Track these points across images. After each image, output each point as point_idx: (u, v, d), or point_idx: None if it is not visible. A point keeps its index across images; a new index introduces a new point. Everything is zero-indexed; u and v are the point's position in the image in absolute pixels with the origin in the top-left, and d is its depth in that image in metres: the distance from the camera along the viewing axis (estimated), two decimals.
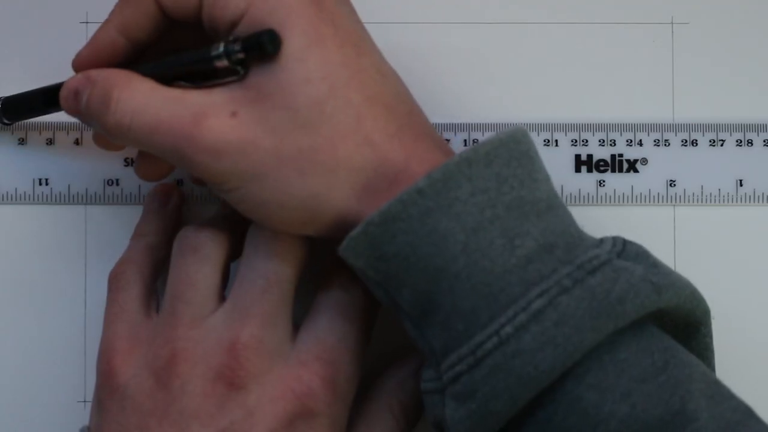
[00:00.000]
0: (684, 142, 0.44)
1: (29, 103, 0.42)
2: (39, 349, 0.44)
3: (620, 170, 0.44)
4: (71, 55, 0.45)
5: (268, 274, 0.38)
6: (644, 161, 0.44)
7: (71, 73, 0.44)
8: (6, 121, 0.44)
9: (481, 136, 0.44)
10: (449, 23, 0.45)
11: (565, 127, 0.44)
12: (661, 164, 0.44)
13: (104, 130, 0.37)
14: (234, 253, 0.40)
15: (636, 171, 0.44)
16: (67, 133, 0.45)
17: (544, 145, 0.44)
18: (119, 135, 0.37)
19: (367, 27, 0.38)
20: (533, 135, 0.44)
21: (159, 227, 0.43)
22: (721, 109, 0.45)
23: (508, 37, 0.45)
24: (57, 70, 0.45)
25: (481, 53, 0.45)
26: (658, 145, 0.44)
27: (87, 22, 0.45)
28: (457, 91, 0.45)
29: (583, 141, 0.44)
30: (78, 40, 0.45)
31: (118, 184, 0.44)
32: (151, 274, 0.41)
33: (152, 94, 0.36)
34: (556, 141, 0.44)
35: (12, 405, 0.44)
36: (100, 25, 0.39)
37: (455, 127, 0.44)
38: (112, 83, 0.37)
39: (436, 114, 0.44)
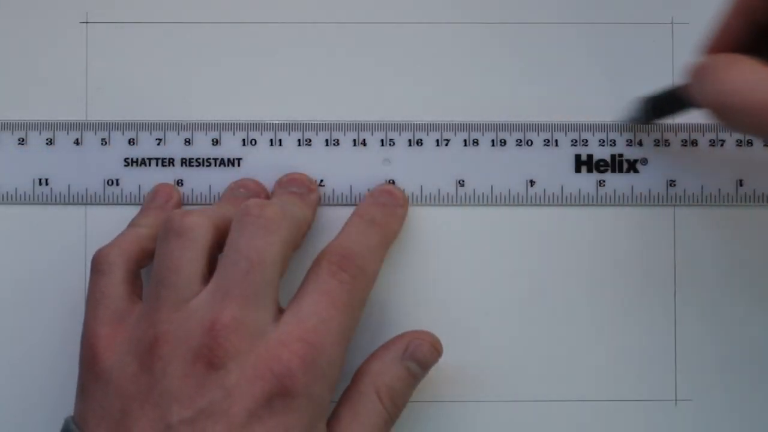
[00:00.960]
0: (684, 142, 0.44)
1: (674, 99, 0.41)
2: (38, 350, 0.44)
3: (620, 170, 0.44)
4: (71, 55, 0.45)
5: (251, 255, 0.38)
6: (644, 161, 0.44)
7: (70, 74, 0.44)
8: (650, 119, 0.43)
9: (482, 136, 0.44)
10: (451, 23, 0.45)
11: (566, 127, 0.44)
12: (661, 164, 0.44)
13: (710, 111, 0.36)
14: (223, 241, 0.40)
15: (636, 171, 0.44)
16: (67, 133, 0.45)
17: (544, 145, 0.44)
18: (724, 116, 0.36)
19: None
20: (533, 135, 0.44)
21: (154, 221, 0.43)
22: None
23: (507, 37, 0.45)
24: (57, 71, 0.45)
25: (481, 52, 0.45)
26: (658, 145, 0.44)
27: (87, 22, 0.45)
28: (457, 90, 0.45)
29: (583, 141, 0.44)
30: (78, 40, 0.45)
31: (118, 184, 0.44)
32: (136, 260, 0.41)
33: (757, 74, 0.35)
34: (557, 141, 0.44)
35: (10, 405, 0.44)
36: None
37: (455, 127, 0.44)
38: (715, 64, 0.36)
39: (437, 113, 0.45)
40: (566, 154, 0.44)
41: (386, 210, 0.43)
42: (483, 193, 0.44)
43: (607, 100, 0.45)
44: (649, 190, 0.44)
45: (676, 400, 0.44)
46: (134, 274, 0.41)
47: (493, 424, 0.44)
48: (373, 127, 0.45)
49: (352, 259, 0.40)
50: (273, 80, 0.44)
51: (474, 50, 0.45)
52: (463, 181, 0.44)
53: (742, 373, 0.44)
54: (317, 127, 0.45)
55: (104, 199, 0.44)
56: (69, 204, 0.44)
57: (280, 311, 0.39)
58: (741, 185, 0.44)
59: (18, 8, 0.45)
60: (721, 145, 0.44)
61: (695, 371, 0.44)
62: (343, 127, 0.45)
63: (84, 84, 0.45)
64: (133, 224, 0.43)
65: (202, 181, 0.44)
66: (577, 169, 0.44)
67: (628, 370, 0.44)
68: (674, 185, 0.44)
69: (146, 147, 0.45)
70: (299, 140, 0.45)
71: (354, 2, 0.45)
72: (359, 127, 0.45)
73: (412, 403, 0.42)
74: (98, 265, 0.41)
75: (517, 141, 0.44)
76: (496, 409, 0.44)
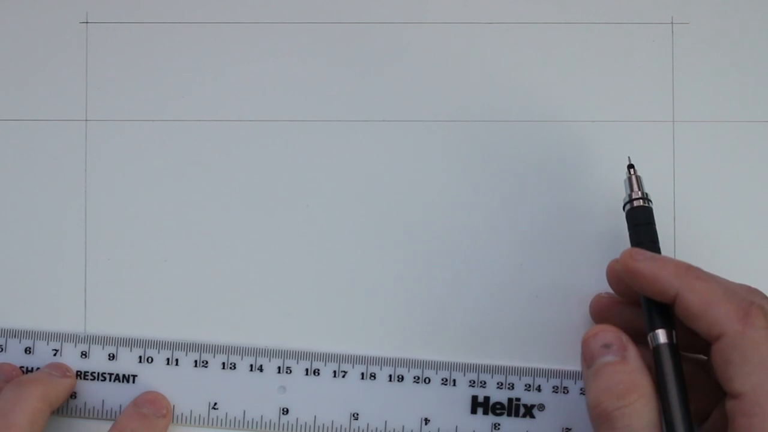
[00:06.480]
0: (581, 391, 0.44)
1: None
2: None
3: (516, 414, 0.43)
4: (71, 55, 0.45)
5: None
6: (541, 407, 0.44)
7: (70, 74, 0.45)
8: None
9: (379, 371, 0.44)
10: (448, 23, 0.45)
11: (464, 367, 0.44)
12: (559, 411, 0.43)
13: None
14: None
15: (533, 416, 0.43)
16: None
17: (442, 384, 0.44)
18: None
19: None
20: (431, 372, 0.44)
21: None
22: (721, 109, 0.45)
23: (507, 37, 0.45)
24: (57, 71, 0.45)
25: (481, 53, 0.45)
26: (557, 392, 0.44)
27: (87, 22, 0.45)
28: (456, 90, 0.45)
29: (481, 382, 0.44)
30: (78, 40, 0.45)
31: None
32: None
33: None
34: (454, 380, 0.44)
35: None
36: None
37: (353, 359, 0.44)
38: None
39: (435, 113, 0.45)
40: (463, 394, 0.44)
41: (147, 422, 0.42)
42: (377, 428, 0.44)
43: (607, 100, 0.45)
44: None
45: None
46: None
47: None
48: (271, 354, 0.44)
49: None
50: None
51: (473, 50, 0.45)
52: (358, 414, 0.44)
53: None
54: (215, 349, 0.44)
55: None
56: None
57: None
58: None
59: (18, 8, 0.45)
60: None
61: None
62: (241, 351, 0.44)
63: (84, 84, 0.45)
64: None
65: (95, 396, 0.44)
66: (473, 411, 0.44)
67: None
68: None
69: (43, 356, 0.44)
70: (196, 361, 0.44)
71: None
72: (257, 352, 0.44)
73: None
74: None
75: (414, 378, 0.44)
76: None
